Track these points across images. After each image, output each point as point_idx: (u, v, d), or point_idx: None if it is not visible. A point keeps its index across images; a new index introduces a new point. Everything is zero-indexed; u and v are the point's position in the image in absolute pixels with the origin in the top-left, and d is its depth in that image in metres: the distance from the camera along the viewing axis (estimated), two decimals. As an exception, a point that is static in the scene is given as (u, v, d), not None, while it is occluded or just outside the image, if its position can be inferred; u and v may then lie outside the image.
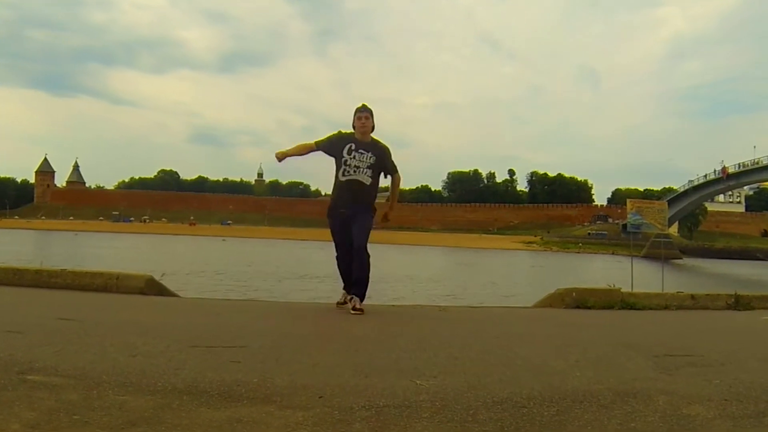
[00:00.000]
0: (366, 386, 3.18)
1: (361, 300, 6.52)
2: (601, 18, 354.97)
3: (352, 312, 6.37)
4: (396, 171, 6.90)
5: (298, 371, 3.49)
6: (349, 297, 6.64)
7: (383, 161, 6.75)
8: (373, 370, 3.62)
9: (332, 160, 6.77)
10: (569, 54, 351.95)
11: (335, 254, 6.91)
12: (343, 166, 6.64)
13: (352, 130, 6.75)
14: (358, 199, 6.66)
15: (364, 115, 6.68)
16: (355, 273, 6.59)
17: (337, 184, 6.73)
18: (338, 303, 6.94)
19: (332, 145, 6.73)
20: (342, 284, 6.93)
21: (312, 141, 6.91)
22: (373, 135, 6.81)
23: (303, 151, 6.87)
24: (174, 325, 5.26)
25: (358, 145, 6.65)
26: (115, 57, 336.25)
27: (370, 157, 6.64)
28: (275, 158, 6.88)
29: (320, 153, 6.75)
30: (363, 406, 2.85)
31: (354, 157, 6.62)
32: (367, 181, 6.65)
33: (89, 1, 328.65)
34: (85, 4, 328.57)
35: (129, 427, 2.47)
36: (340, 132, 6.81)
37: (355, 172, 6.62)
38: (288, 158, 6.90)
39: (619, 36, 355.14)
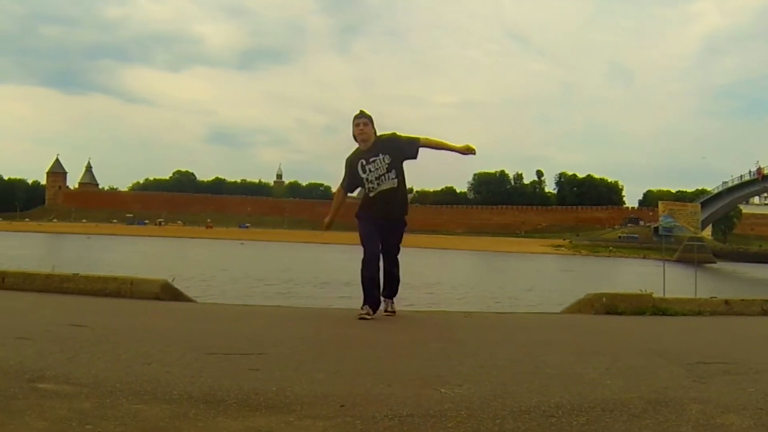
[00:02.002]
0: (389, 395, 3.12)
1: (385, 299, 6.62)
2: (633, 13, 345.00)
3: (385, 314, 6.48)
4: (417, 138, 6.63)
5: (319, 379, 3.43)
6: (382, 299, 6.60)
7: (398, 149, 6.56)
8: (397, 378, 3.57)
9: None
10: (600, 50, 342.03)
11: (362, 258, 6.51)
12: (367, 185, 6.54)
13: (355, 144, 6.63)
14: (393, 206, 6.57)
15: (362, 121, 6.53)
16: (387, 269, 6.63)
17: (366, 199, 6.62)
18: (361, 315, 6.38)
19: (351, 177, 6.65)
20: (363, 297, 6.51)
21: (338, 188, 7.00)
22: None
23: (342, 200, 7.00)
24: (190, 332, 5.24)
25: (368, 155, 6.51)
26: (129, 53, 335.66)
27: (384, 158, 6.47)
28: (324, 230, 7.15)
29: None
30: (386, 416, 2.78)
31: (370, 171, 6.50)
32: (394, 183, 6.50)
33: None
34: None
35: (144, 437, 2.42)
36: (347, 159, 6.70)
37: (378, 183, 6.49)
38: (335, 218, 7.00)
39: (652, 32, 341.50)
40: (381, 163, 6.46)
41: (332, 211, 6.97)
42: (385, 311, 6.60)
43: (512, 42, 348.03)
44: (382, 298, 6.58)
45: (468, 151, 6.59)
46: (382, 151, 6.48)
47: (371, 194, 6.54)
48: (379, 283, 6.54)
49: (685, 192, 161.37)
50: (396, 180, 6.50)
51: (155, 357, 3.82)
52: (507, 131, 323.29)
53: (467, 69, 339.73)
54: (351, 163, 6.61)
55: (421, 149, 6.59)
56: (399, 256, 6.79)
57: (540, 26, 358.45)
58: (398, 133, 6.64)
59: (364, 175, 6.51)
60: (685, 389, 3.50)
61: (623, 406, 3.06)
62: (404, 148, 6.57)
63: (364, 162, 6.50)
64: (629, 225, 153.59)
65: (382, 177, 6.46)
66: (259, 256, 62.69)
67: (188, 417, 2.66)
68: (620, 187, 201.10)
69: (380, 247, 6.54)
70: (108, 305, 6.77)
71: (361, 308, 6.39)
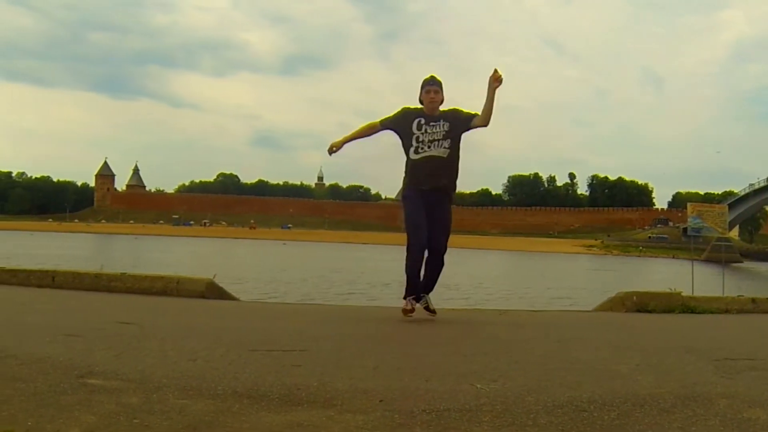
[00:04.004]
0: (427, 390, 3.13)
1: (424, 296, 6.29)
2: (664, 21, 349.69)
3: (427, 313, 6.28)
4: (476, 114, 6.14)
5: (359, 375, 3.46)
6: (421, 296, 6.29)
7: (458, 120, 6.17)
8: (434, 374, 3.58)
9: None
10: (633, 57, 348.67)
11: (408, 245, 6.14)
12: (415, 143, 6.13)
13: (420, 105, 6.23)
14: (437, 177, 6.12)
15: (433, 88, 6.15)
16: (428, 272, 6.26)
17: (410, 164, 6.20)
18: (405, 311, 6.20)
19: (399, 122, 6.23)
20: (406, 288, 6.23)
21: (374, 122, 6.42)
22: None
23: (366, 132, 6.41)
24: (234, 329, 5.28)
25: (428, 119, 6.13)
26: (176, 59, 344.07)
27: (444, 125, 6.10)
28: (328, 152, 6.38)
29: (386, 133, 6.28)
30: (424, 410, 2.79)
31: (426, 131, 6.10)
32: (445, 153, 6.10)
33: (151, 4, 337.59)
34: (146, 7, 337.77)
35: (189, 431, 2.46)
36: (406, 108, 6.28)
37: (429, 147, 6.09)
38: (346, 145, 6.40)
39: (683, 39, 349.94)
40: (440, 128, 6.10)
41: (352, 133, 6.47)
42: (427, 309, 6.30)
43: (548, 49, 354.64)
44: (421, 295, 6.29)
45: (496, 80, 6.05)
46: (444, 119, 6.13)
47: (416, 156, 6.13)
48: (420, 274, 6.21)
49: (713, 194, 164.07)
50: (448, 150, 6.12)
51: (200, 353, 3.86)
52: (541, 135, 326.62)
53: (504, 75, 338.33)
54: (407, 114, 6.22)
55: (474, 124, 6.17)
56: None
57: (575, 33, 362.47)
58: (459, 108, 6.27)
59: (417, 132, 6.13)
60: (713, 385, 3.48)
61: (653, 401, 3.05)
62: (462, 119, 6.17)
63: (423, 121, 6.14)
64: (659, 226, 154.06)
65: (435, 142, 6.09)
66: (300, 255, 62.81)
67: (232, 412, 2.69)
68: (650, 189, 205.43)
69: (427, 234, 6.11)
70: (155, 303, 6.86)
71: (405, 302, 6.18)
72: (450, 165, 6.18)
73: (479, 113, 6.14)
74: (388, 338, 5.18)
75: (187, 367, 3.47)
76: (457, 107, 6.26)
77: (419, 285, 6.21)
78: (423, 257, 6.15)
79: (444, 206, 6.25)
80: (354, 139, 6.43)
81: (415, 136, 6.15)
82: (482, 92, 6.08)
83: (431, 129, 6.10)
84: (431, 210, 6.14)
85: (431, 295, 6.42)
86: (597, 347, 4.81)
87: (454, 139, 6.14)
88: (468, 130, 6.21)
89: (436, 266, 6.29)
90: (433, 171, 6.10)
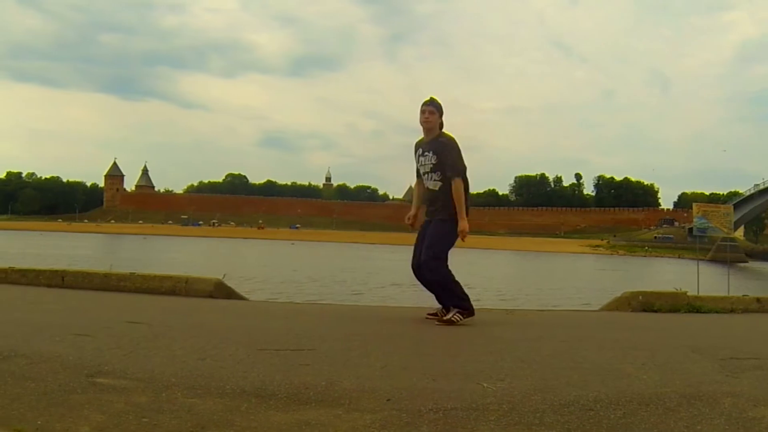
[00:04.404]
0: (434, 389, 3.15)
1: (451, 308, 5.95)
2: (671, 22, 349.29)
3: (437, 323, 5.95)
4: (456, 173, 6.02)
5: (366, 374, 3.47)
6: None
7: (443, 156, 6.04)
8: (441, 373, 3.60)
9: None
10: (639, 58, 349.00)
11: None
12: (420, 174, 6.24)
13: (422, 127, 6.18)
14: (431, 207, 6.14)
15: (428, 109, 6.06)
16: (424, 284, 6.15)
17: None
18: (428, 314, 6.17)
19: (415, 158, 6.28)
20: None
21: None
22: (445, 131, 6.17)
23: (416, 193, 6.45)
24: (242, 329, 5.29)
25: (425, 147, 6.13)
26: (185, 61, 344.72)
27: (432, 157, 6.04)
28: (411, 225, 6.37)
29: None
30: (431, 409, 2.81)
31: (421, 162, 6.15)
32: (435, 186, 6.04)
33: (161, 5, 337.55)
34: (156, 8, 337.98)
35: (198, 430, 2.48)
36: (417, 142, 6.30)
37: (425, 178, 6.14)
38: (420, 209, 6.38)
39: (689, 40, 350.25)
40: (429, 160, 6.07)
41: (415, 200, 6.42)
42: (438, 320, 5.96)
43: (555, 50, 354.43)
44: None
45: (462, 232, 6.03)
46: (434, 148, 6.07)
47: (424, 185, 6.20)
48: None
49: (719, 194, 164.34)
50: (439, 183, 6.04)
51: (209, 353, 3.88)
52: (548, 136, 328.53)
53: (511, 76, 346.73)
54: (415, 146, 6.27)
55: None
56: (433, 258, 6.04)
57: (582, 35, 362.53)
58: (453, 146, 6.08)
59: (417, 165, 6.22)
60: (719, 384, 3.51)
61: (659, 400, 3.07)
62: (444, 163, 6.03)
63: (420, 152, 6.16)
64: (664, 226, 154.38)
65: (427, 175, 6.09)
66: (308, 255, 62.83)
67: (240, 410, 2.71)
68: (656, 189, 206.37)
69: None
70: (163, 303, 6.87)
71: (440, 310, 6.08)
72: (443, 196, 6.06)
73: (453, 181, 6.01)
74: (395, 338, 5.18)
75: (196, 366, 3.49)
76: (448, 143, 6.10)
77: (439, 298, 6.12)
78: (418, 276, 6.13)
79: (438, 222, 6.10)
80: (418, 199, 6.43)
81: (418, 168, 6.27)
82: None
83: (424, 160, 6.13)
84: (428, 226, 6.17)
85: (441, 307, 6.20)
86: (603, 347, 4.83)
87: (442, 172, 6.05)
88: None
89: (425, 280, 6.12)
90: (430, 202, 6.16)
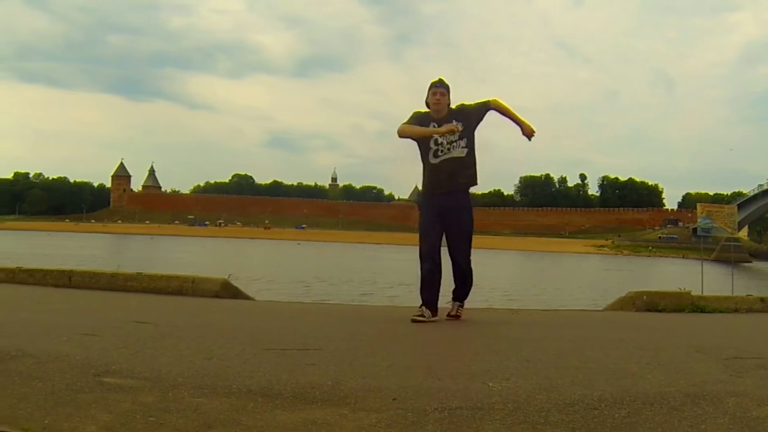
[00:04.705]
0: (439, 388, 3.15)
1: (455, 303, 6.28)
2: (675, 23, 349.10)
3: (446, 318, 6.12)
4: (487, 101, 6.15)
5: (372, 374, 3.48)
6: (450, 303, 6.29)
7: (470, 116, 6.08)
8: (446, 372, 3.60)
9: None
10: (643, 59, 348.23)
11: (420, 251, 6.09)
12: (434, 146, 6.04)
13: (427, 109, 6.16)
14: (456, 176, 6.04)
15: (439, 90, 6.06)
16: (456, 281, 6.25)
17: (429, 168, 6.10)
18: (414, 319, 5.87)
19: (418, 125, 6.11)
20: (420, 297, 6.06)
21: (399, 127, 6.16)
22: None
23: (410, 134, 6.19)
24: (249, 328, 5.31)
25: (439, 122, 6.01)
26: (192, 62, 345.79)
27: (458, 125, 5.95)
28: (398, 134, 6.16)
29: (406, 140, 6.14)
30: (436, 408, 2.81)
31: (445, 136, 6.01)
32: (464, 152, 6.02)
33: (167, 6, 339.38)
34: (163, 9, 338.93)
35: (205, 429, 2.48)
36: (417, 111, 6.19)
37: (449, 149, 6.01)
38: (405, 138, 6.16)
39: (693, 41, 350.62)
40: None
41: (421, 130, 6.08)
42: (448, 315, 6.17)
43: (559, 51, 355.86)
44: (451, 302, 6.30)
45: (530, 132, 6.14)
46: (456, 118, 6.03)
47: (435, 160, 6.05)
48: (439, 282, 6.06)
49: (722, 194, 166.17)
50: (466, 150, 6.03)
51: (215, 352, 3.89)
52: (553, 136, 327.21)
53: (515, 77, 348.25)
54: (420, 118, 6.13)
55: (489, 112, 6.15)
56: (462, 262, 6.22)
57: (586, 36, 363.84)
58: (465, 102, 6.21)
59: (435, 135, 6.04)
60: (723, 383, 3.49)
61: (663, 399, 3.06)
62: (474, 113, 6.11)
63: (436, 124, 6.02)
64: (669, 226, 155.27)
65: (454, 143, 6.01)
66: (314, 255, 62.92)
67: (247, 410, 2.71)
68: (660, 189, 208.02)
69: (441, 239, 6.14)
70: (170, 303, 6.90)
71: (418, 308, 5.96)
72: (469, 163, 6.11)
73: (489, 101, 6.17)
74: (401, 338, 5.18)
75: (203, 365, 3.50)
76: (461, 103, 6.21)
77: (434, 296, 6.05)
78: (437, 263, 6.08)
79: (462, 209, 6.17)
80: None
81: (433, 140, 6.08)
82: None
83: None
84: (448, 216, 6.11)
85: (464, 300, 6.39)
86: (607, 346, 4.81)
87: (469, 137, 6.08)
88: (481, 120, 6.16)
89: (460, 276, 6.27)
90: (454, 171, 6.04)
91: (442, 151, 6.05)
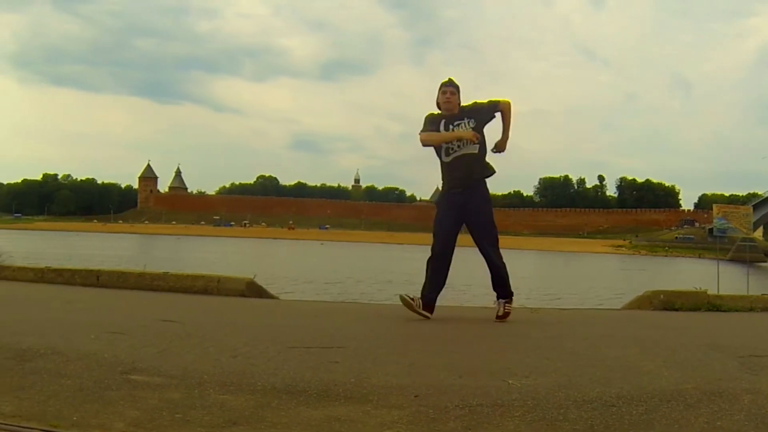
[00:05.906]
0: (460, 386, 3.16)
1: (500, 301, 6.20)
2: (693, 27, 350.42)
3: (496, 320, 6.06)
4: (498, 101, 6.18)
5: (394, 371, 3.50)
6: (495, 301, 6.28)
7: (481, 113, 6.12)
8: (467, 370, 3.61)
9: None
10: (662, 62, 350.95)
11: (432, 248, 6.13)
12: (445, 145, 6.10)
13: (438, 110, 6.22)
14: (470, 173, 6.07)
15: (449, 89, 6.13)
16: (489, 260, 6.20)
17: (444, 167, 6.19)
18: (406, 299, 6.01)
19: (429, 130, 6.17)
20: (421, 287, 6.11)
21: (420, 136, 6.22)
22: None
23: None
24: (273, 327, 5.35)
25: (452, 119, 6.09)
26: (218, 65, 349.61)
27: (469, 122, 6.04)
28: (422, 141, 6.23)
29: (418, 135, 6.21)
30: (457, 405, 2.83)
31: (454, 132, 6.07)
32: (475, 149, 6.04)
33: (194, 11, 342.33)
34: (190, 14, 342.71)
35: (230, 425, 2.51)
36: (430, 114, 6.24)
37: (460, 146, 6.05)
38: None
39: (711, 45, 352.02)
40: (465, 126, 6.04)
41: (444, 135, 6.12)
42: (497, 317, 6.09)
43: (579, 54, 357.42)
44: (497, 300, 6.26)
45: (502, 148, 6.24)
46: (467, 116, 6.10)
47: (448, 158, 6.11)
48: (443, 283, 6.12)
49: (738, 195, 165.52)
50: (478, 146, 6.06)
51: (241, 350, 3.92)
52: (572, 138, 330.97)
53: (536, 80, 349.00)
54: (433, 120, 6.18)
55: (497, 114, 6.18)
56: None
57: (606, 40, 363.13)
58: (478, 100, 6.27)
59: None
60: (738, 380, 3.49)
61: (680, 397, 3.06)
62: (485, 111, 6.14)
63: (450, 127, 6.08)
64: (685, 226, 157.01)
65: (464, 141, 6.04)
66: (338, 255, 62.97)
67: (271, 406, 2.74)
68: (677, 191, 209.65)
69: (455, 239, 6.17)
70: (196, 302, 6.95)
71: (414, 297, 6.01)
72: (481, 158, 6.16)
73: (499, 102, 6.19)
74: (423, 336, 5.19)
75: (228, 363, 3.54)
76: (475, 101, 6.27)
77: (432, 291, 6.07)
78: (442, 262, 6.12)
79: (480, 200, 6.19)
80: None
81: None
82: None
83: (458, 129, 6.07)
84: (468, 212, 6.14)
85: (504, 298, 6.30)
86: (625, 344, 4.80)
87: (481, 133, 6.12)
88: (492, 118, 6.20)
89: (494, 270, 6.27)
90: (467, 168, 6.07)
91: (452, 149, 6.11)
